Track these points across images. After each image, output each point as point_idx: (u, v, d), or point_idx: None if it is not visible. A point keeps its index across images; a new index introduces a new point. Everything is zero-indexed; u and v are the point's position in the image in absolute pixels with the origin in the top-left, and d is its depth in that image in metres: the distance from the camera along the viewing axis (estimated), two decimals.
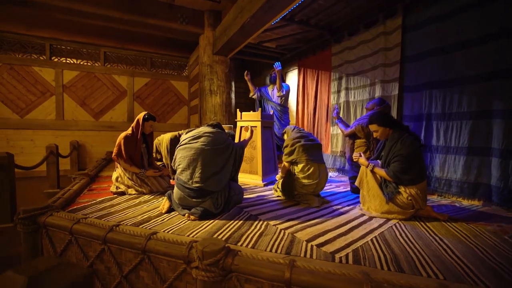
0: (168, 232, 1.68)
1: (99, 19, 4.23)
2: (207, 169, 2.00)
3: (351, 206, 2.36)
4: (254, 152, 3.29)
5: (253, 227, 1.79)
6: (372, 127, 2.20)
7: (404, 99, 3.10)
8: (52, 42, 5.38)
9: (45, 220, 1.72)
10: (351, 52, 3.88)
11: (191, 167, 2.00)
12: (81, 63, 5.69)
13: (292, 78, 5.63)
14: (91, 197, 2.46)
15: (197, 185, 1.96)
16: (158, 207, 2.19)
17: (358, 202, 2.45)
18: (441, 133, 2.74)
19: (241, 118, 3.45)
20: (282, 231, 1.75)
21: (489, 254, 1.45)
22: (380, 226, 1.88)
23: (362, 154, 2.26)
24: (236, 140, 3.44)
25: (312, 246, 1.53)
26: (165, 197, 2.17)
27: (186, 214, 1.93)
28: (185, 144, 2.09)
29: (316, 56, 4.77)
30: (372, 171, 2.17)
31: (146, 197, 2.51)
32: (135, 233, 1.49)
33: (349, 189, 3.03)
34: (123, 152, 2.58)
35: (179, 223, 1.84)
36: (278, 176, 2.78)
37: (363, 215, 2.12)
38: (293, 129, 2.70)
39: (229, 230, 1.73)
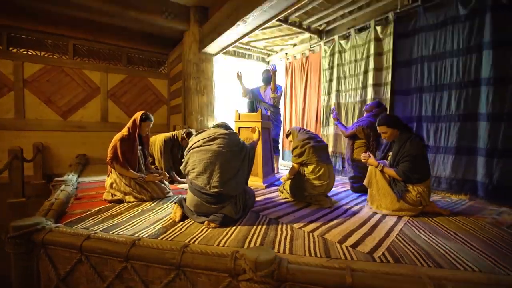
0: (193, 242, 1.55)
1: (74, 8, 3.79)
2: (225, 172, 1.89)
3: (359, 205, 2.43)
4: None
5: (279, 232, 1.74)
6: (382, 129, 2.29)
7: (396, 102, 3.30)
8: (10, 31, 4.68)
9: (44, 237, 1.46)
10: (342, 55, 4.02)
11: (208, 171, 1.88)
12: (46, 55, 5.05)
13: (280, 79, 5.66)
14: (83, 207, 2.18)
15: (216, 190, 1.84)
16: (167, 215, 2.02)
17: (363, 201, 2.54)
18: (431, 134, 2.97)
19: (239, 119, 3.36)
20: (310, 234, 1.73)
21: (502, 245, 1.59)
22: (396, 223, 1.96)
23: (371, 155, 2.34)
24: None
25: (347, 247, 1.53)
26: (176, 204, 2.01)
27: (206, 222, 1.80)
28: (200, 146, 1.95)
29: (305, 58, 4.86)
30: (381, 170, 2.25)
31: (148, 204, 2.30)
32: (164, 247, 1.34)
33: (347, 188, 3.13)
34: (119, 155, 2.34)
35: (200, 232, 1.70)
36: (284, 178, 2.75)
37: (375, 213, 2.20)
38: (299, 131, 2.70)
39: (258, 236, 1.66)
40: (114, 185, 2.37)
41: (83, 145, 5.17)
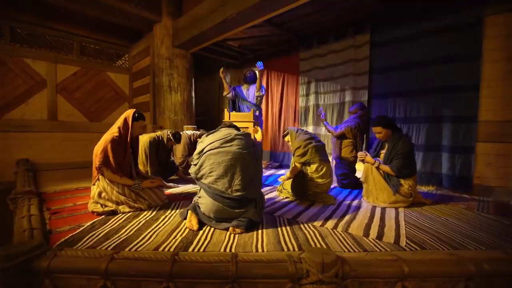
0: (228, 251, 1.45)
1: None
2: (246, 174, 1.81)
3: (356, 200, 2.61)
4: None
5: (306, 231, 1.75)
6: (377, 129, 2.50)
7: (372, 104, 3.64)
8: None
9: (50, 264, 1.18)
10: (320, 59, 4.24)
11: (229, 173, 1.78)
12: None
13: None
14: (68, 223, 1.83)
15: (239, 193, 1.75)
16: (179, 224, 1.84)
17: (356, 196, 2.75)
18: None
19: (229, 119, 3.26)
20: (334, 230, 1.79)
21: (484, 226, 1.90)
22: (397, 214, 2.17)
23: (367, 153, 2.53)
24: None
25: (374, 240, 1.64)
26: (190, 211, 1.84)
27: (231, 228, 1.70)
28: (218, 148, 1.83)
29: (282, 60, 4.96)
30: (377, 167, 2.47)
31: (147, 214, 2.06)
32: (212, 259, 1.22)
33: (334, 185, 3.31)
34: (111, 160, 2.03)
35: (229, 240, 1.60)
36: (283, 178, 2.78)
37: (375, 206, 2.39)
38: (297, 131, 2.75)
39: (289, 237, 1.64)
40: (103, 194, 2.05)
41: (27, 148, 4.31)
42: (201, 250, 1.45)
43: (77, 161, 4.65)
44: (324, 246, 1.53)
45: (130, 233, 1.66)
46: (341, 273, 1.16)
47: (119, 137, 2.12)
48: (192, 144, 3.72)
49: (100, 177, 2.06)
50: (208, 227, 1.79)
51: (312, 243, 1.56)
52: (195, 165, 1.92)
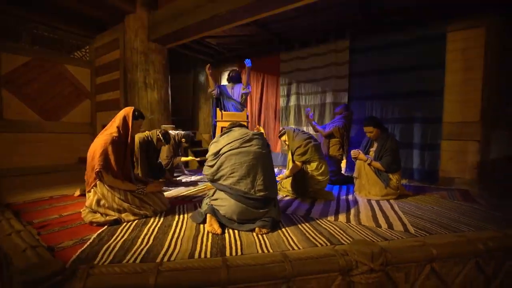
0: (263, 251, 1.44)
1: None
2: (267, 174, 1.81)
3: (350, 195, 2.80)
4: None
5: (326, 226, 1.82)
6: (369, 129, 2.72)
7: (352, 106, 3.93)
8: None
9: (85, 285, 1.02)
10: (302, 61, 4.41)
11: (252, 174, 1.75)
12: None
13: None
14: (67, 237, 1.58)
15: (261, 193, 1.74)
16: (197, 229, 1.75)
17: (347, 191, 2.94)
18: None
19: (222, 118, 3.18)
20: (348, 224, 1.90)
21: (462, 211, 2.23)
22: (391, 206, 2.40)
23: (360, 152, 2.74)
24: None
25: (388, 230, 1.79)
26: (209, 215, 1.76)
27: (257, 229, 1.68)
28: (238, 148, 1.79)
29: (262, 60, 5.00)
30: (369, 164, 2.69)
31: (155, 220, 1.89)
32: (265, 261, 1.20)
33: None
34: (112, 163, 1.82)
35: (259, 240, 1.57)
36: (282, 176, 2.83)
37: (369, 199, 2.60)
38: (294, 131, 2.83)
39: (314, 233, 1.69)
40: (103, 202, 1.82)
41: None
42: (238, 253, 1.40)
43: (34, 166, 4.01)
44: (350, 239, 1.62)
45: (150, 243, 1.51)
46: (385, 261, 1.26)
47: (119, 138, 1.91)
48: (176, 145, 3.53)
49: (98, 183, 1.82)
50: (231, 230, 1.73)
51: (338, 237, 1.64)
52: (211, 166, 1.85)
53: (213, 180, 1.85)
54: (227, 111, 4.09)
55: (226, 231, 1.72)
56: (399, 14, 3.51)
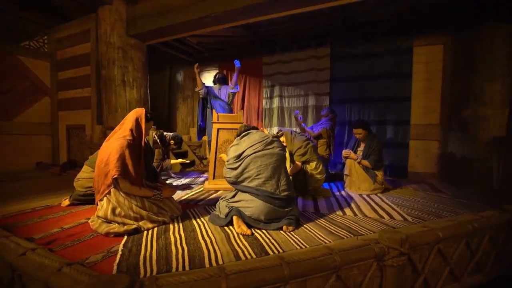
0: (301, 247, 1.54)
1: None
2: (287, 174, 1.91)
3: (342, 191, 3.06)
4: None
5: (340, 220, 2.00)
6: (358, 131, 3.00)
7: (333, 108, 4.25)
8: None
9: None
10: (284, 65, 4.60)
11: (276, 175, 1.83)
12: None
13: (209, 78, 5.52)
14: (86, 253, 1.45)
15: (285, 193, 1.83)
16: (224, 231, 1.76)
17: (338, 188, 3.21)
18: None
19: (218, 120, 3.16)
20: (356, 217, 2.11)
21: (438, 200, 2.64)
22: (381, 199, 2.70)
23: (351, 151, 3.02)
24: (213, 145, 3.13)
25: (390, 220, 2.04)
26: (236, 217, 1.78)
27: (284, 227, 1.76)
28: (262, 150, 1.85)
29: (243, 62, 4.99)
30: (359, 162, 2.98)
31: (174, 226, 1.84)
32: (315, 255, 1.29)
33: None
34: (130, 168, 1.72)
35: (291, 237, 1.65)
36: None
37: (360, 194, 2.89)
38: (292, 132, 2.97)
39: (335, 226, 1.84)
40: (118, 210, 1.69)
41: None
42: (280, 251, 1.47)
43: None
44: (366, 229, 1.82)
45: (187, 249, 1.48)
46: (410, 245, 1.47)
47: (132, 141, 1.80)
48: (165, 147, 3.39)
49: (113, 190, 1.70)
50: (258, 230, 1.78)
51: (356, 229, 1.82)
52: (234, 168, 1.87)
53: (236, 183, 1.88)
54: (214, 111, 4.07)
55: (254, 231, 1.77)
56: (374, 28, 3.93)
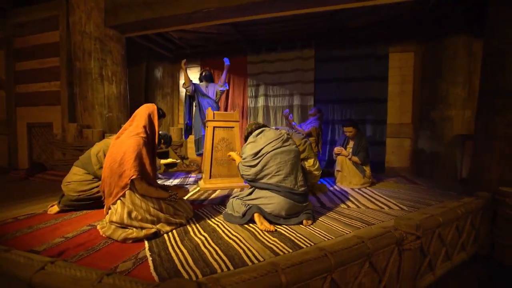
0: (327, 239, 1.61)
1: None
2: (303, 170, 1.98)
3: (333, 186, 3.23)
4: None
5: (350, 213, 2.12)
6: (349, 129, 3.21)
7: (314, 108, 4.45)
8: None
9: None
10: (269, 65, 4.67)
11: (294, 171, 1.88)
12: None
13: (191, 76, 5.33)
14: (110, 262, 1.33)
15: (303, 188, 1.89)
16: (248, 230, 1.75)
17: (329, 184, 3.39)
18: (340, 132, 4.37)
19: (213, 118, 3.10)
20: (360, 208, 2.27)
21: (419, 190, 2.96)
22: (372, 192, 2.93)
23: (343, 149, 3.21)
24: (209, 144, 3.07)
25: (389, 208, 2.24)
26: (257, 214, 1.79)
27: (304, 221, 1.82)
28: (281, 147, 1.88)
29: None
30: (350, 158, 3.19)
31: (192, 227, 1.77)
32: (349, 244, 1.37)
33: None
34: (147, 167, 1.61)
35: (316, 230, 1.72)
36: None
37: (352, 188, 3.09)
38: (289, 131, 3.04)
39: (349, 219, 1.96)
40: (134, 214, 1.57)
41: None
42: (309, 244, 1.52)
43: None
44: (376, 219, 1.97)
45: (219, 249, 1.44)
46: (423, 230, 1.64)
47: (147, 139, 1.69)
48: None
49: (128, 192, 1.57)
50: (280, 226, 1.81)
51: (367, 220, 1.96)
52: (253, 166, 1.87)
53: (255, 180, 1.88)
54: (202, 109, 3.97)
55: (278, 226, 1.79)
56: (355, 34, 4.22)
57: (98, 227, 1.65)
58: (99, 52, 3.59)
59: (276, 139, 1.92)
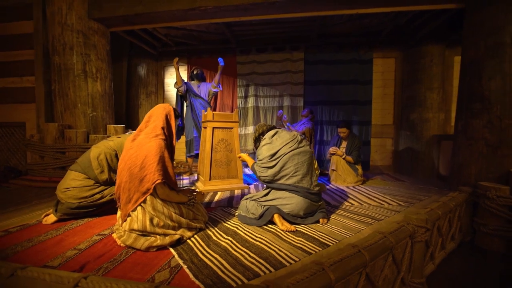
0: (347, 236, 1.69)
1: None
2: (315, 170, 2.03)
3: (328, 185, 3.37)
4: (231, 156, 3.12)
5: (356, 210, 2.24)
6: (343, 130, 3.36)
7: (306, 109, 4.58)
8: None
9: None
10: (259, 65, 4.69)
11: (310, 171, 1.93)
12: None
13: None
14: (142, 273, 1.26)
15: (317, 188, 1.95)
16: (269, 231, 1.76)
17: (324, 183, 3.52)
18: (329, 132, 4.56)
19: (212, 119, 3.04)
20: (363, 205, 2.40)
21: (406, 186, 3.21)
22: (366, 189, 3.11)
23: (338, 148, 3.36)
24: (208, 145, 3.01)
25: (388, 204, 2.40)
26: (277, 215, 1.80)
27: (320, 220, 1.88)
28: (297, 148, 1.91)
29: (214, 59, 4.90)
30: (344, 158, 3.35)
31: (213, 231, 1.73)
32: (375, 240, 1.46)
33: None
34: (170, 171, 1.54)
35: (334, 228, 1.79)
36: None
37: (347, 186, 3.24)
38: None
39: (359, 217, 2.06)
40: (156, 220, 1.49)
41: None
42: (334, 241, 1.59)
43: None
44: (382, 215, 2.10)
45: (252, 252, 1.43)
46: (431, 223, 1.79)
47: (165, 141, 1.62)
48: None
49: (149, 197, 1.49)
50: (298, 226, 1.85)
51: (374, 216, 2.09)
52: (270, 167, 1.89)
53: (272, 181, 1.89)
54: (194, 109, 3.88)
55: (298, 226, 1.82)
56: (342, 38, 4.43)
57: (114, 236, 1.54)
58: (82, 47, 3.31)
59: (291, 140, 1.96)
